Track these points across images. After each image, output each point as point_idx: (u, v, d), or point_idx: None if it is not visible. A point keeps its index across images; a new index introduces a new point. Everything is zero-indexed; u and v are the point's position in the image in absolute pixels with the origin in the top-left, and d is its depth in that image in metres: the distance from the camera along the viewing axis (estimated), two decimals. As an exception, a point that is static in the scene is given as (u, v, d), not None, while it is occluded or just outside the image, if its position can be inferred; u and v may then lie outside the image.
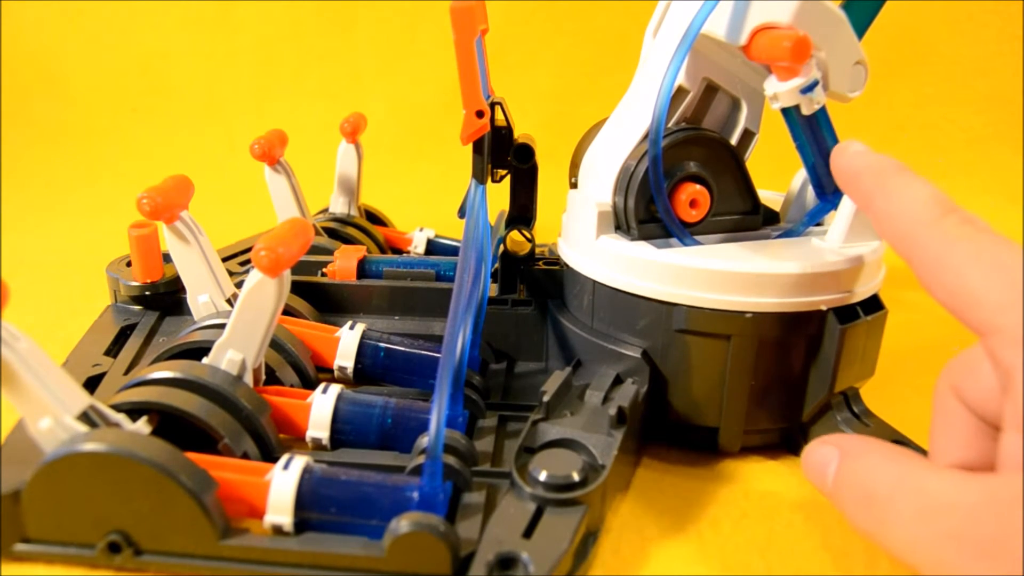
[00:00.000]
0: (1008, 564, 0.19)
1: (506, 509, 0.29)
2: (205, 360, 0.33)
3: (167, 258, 0.41)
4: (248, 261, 0.49)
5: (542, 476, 0.29)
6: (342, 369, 0.38)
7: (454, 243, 0.56)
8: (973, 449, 0.25)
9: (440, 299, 0.42)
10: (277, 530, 0.28)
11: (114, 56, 0.90)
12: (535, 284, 0.41)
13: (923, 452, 0.33)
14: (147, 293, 0.44)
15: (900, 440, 0.34)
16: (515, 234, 0.41)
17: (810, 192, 0.38)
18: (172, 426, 0.31)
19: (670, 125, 0.36)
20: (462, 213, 0.37)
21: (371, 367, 0.38)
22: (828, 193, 0.36)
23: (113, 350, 0.41)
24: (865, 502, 0.22)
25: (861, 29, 0.34)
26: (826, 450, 0.24)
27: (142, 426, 0.30)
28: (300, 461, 0.29)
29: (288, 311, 0.41)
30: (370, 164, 0.57)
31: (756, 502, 0.33)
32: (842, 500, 0.24)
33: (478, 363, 0.38)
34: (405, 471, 0.31)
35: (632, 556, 0.30)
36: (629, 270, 0.34)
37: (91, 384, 0.38)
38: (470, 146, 0.34)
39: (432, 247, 0.56)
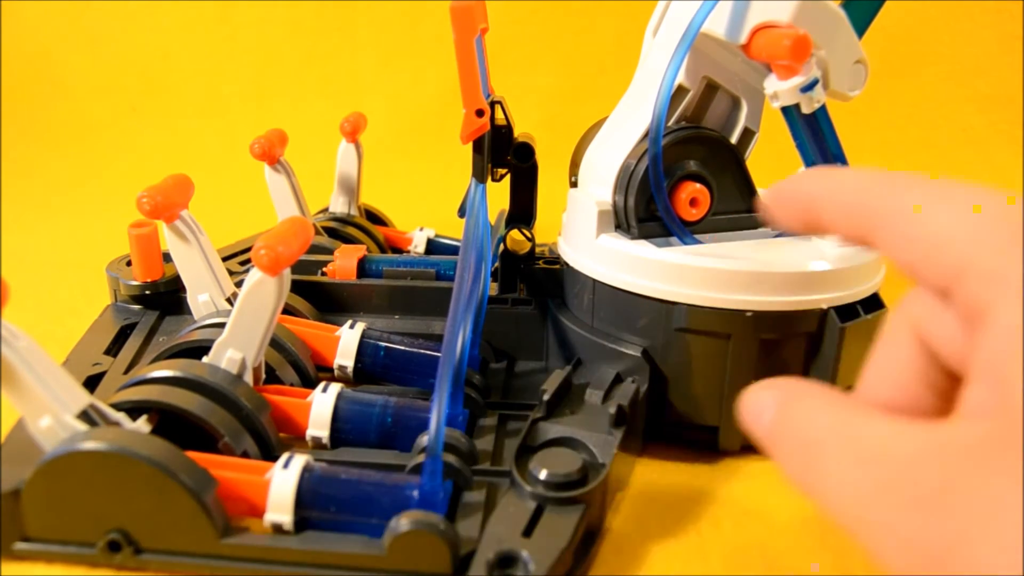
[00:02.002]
0: (942, 519, 0.17)
1: (506, 508, 0.29)
2: (205, 359, 0.33)
3: (167, 257, 0.41)
4: (248, 260, 0.49)
5: (542, 475, 0.29)
6: (342, 368, 0.38)
7: (454, 242, 0.56)
8: (907, 393, 0.22)
9: (440, 298, 0.42)
10: (277, 529, 0.28)
11: (114, 56, 0.90)
12: (535, 283, 0.41)
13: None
14: (147, 292, 0.44)
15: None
16: (515, 233, 0.41)
17: (810, 191, 0.38)
18: (172, 425, 0.31)
19: (670, 124, 0.36)
20: (462, 212, 0.37)
21: (371, 366, 0.38)
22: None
23: (113, 349, 0.41)
24: (798, 449, 0.20)
25: (861, 28, 0.34)
26: (766, 394, 0.22)
27: (142, 425, 0.30)
28: (300, 460, 0.29)
29: (288, 310, 0.41)
30: (370, 164, 0.57)
31: (757, 501, 0.33)
32: (776, 447, 0.21)
33: (478, 362, 0.38)
34: (405, 470, 0.31)
35: (633, 555, 0.30)
36: (629, 269, 0.34)
37: (91, 383, 0.38)
38: (470, 145, 0.34)
39: (432, 246, 0.56)
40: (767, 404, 0.22)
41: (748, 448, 0.36)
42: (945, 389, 0.22)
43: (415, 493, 0.28)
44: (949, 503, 0.17)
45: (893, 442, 0.18)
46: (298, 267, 0.43)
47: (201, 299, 0.39)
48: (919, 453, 0.18)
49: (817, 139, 0.34)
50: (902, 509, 0.17)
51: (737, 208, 0.37)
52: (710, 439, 0.36)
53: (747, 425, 0.23)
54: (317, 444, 0.33)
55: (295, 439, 0.34)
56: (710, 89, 0.37)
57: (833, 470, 0.19)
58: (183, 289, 0.40)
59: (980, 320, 0.18)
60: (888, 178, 0.21)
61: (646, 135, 0.34)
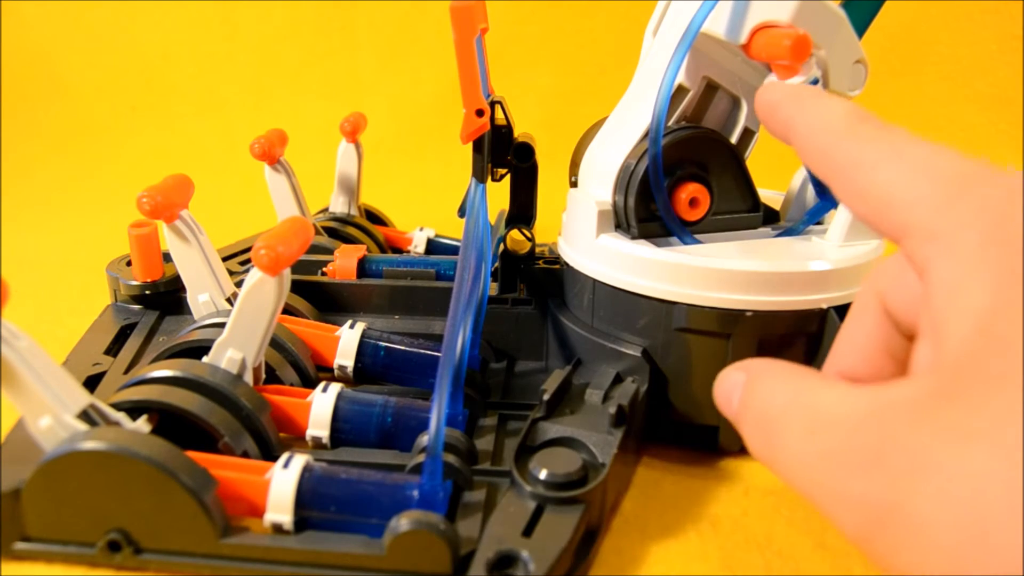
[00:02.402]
0: (882, 480, 0.17)
1: (506, 507, 0.29)
2: (205, 359, 0.33)
3: (167, 257, 0.41)
4: (248, 260, 0.49)
5: (542, 475, 0.30)
6: (342, 368, 0.38)
7: (454, 242, 0.56)
8: (871, 363, 0.23)
9: (440, 298, 0.42)
10: (277, 529, 0.28)
11: (114, 56, 0.90)
12: (535, 283, 0.41)
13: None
14: (147, 292, 0.44)
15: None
16: (515, 233, 0.41)
17: (810, 191, 0.38)
18: (172, 425, 0.31)
19: (670, 124, 0.36)
20: (462, 212, 0.37)
21: (371, 366, 0.38)
22: (828, 192, 0.36)
23: (113, 349, 0.41)
24: (759, 424, 0.21)
25: (861, 28, 0.34)
26: (735, 376, 0.23)
27: (142, 425, 0.30)
28: (300, 460, 0.29)
29: (288, 310, 0.41)
30: (370, 164, 0.57)
31: (756, 501, 0.33)
32: (742, 425, 0.22)
33: (478, 362, 0.38)
34: (405, 470, 0.31)
35: (633, 555, 0.30)
36: (629, 269, 0.34)
37: (91, 383, 0.38)
38: (470, 145, 0.34)
39: (432, 246, 0.56)
40: (736, 385, 0.22)
41: (748, 448, 0.36)
42: (907, 358, 0.22)
43: (415, 493, 0.28)
44: (887, 463, 0.17)
45: (839, 408, 0.19)
46: (298, 267, 0.43)
47: (201, 299, 0.39)
48: (861, 416, 0.18)
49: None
50: (847, 473, 0.18)
51: (737, 208, 0.37)
52: (710, 439, 0.36)
53: (720, 408, 0.23)
54: (317, 444, 0.33)
55: (295, 439, 0.34)
56: (710, 89, 0.37)
57: (787, 441, 0.20)
58: (183, 289, 0.40)
59: (923, 280, 0.19)
60: (854, 128, 0.22)
61: (646, 135, 0.34)
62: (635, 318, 0.35)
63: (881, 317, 0.23)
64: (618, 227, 0.36)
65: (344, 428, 0.33)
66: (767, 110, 0.25)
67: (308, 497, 0.28)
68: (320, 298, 0.44)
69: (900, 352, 0.23)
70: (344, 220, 0.54)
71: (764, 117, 0.26)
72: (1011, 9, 0.81)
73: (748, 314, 0.32)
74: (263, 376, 0.34)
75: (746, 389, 0.22)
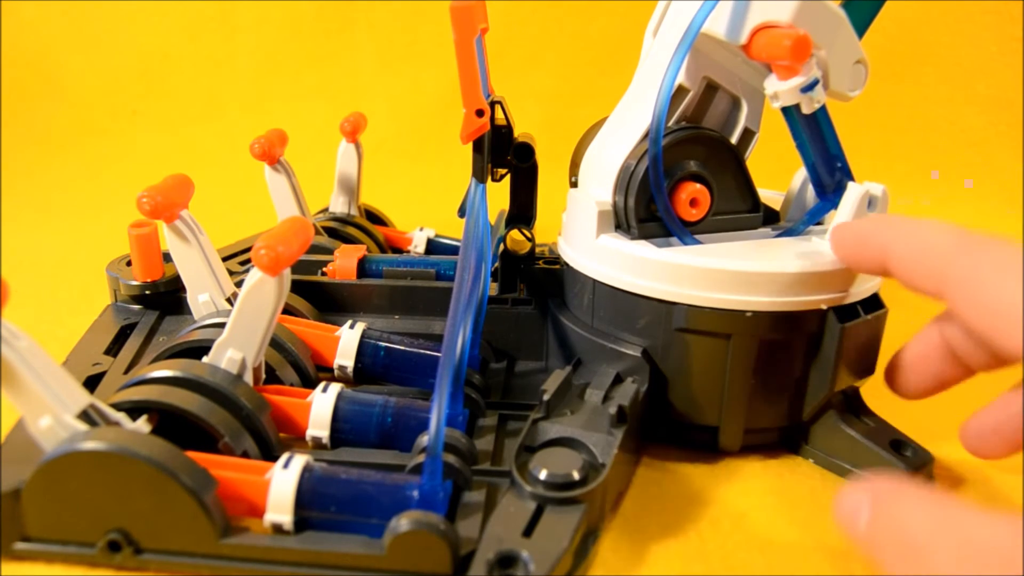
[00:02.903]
0: None
1: (506, 508, 0.29)
2: (205, 359, 0.33)
3: (167, 257, 0.41)
4: (248, 260, 0.49)
5: (542, 475, 0.29)
6: (342, 368, 0.38)
7: (454, 242, 0.56)
8: (929, 363, 0.31)
9: (440, 298, 0.42)
10: (277, 529, 0.28)
11: (114, 56, 0.90)
12: (535, 283, 0.41)
13: (925, 453, 0.33)
14: (147, 292, 0.44)
15: (900, 439, 0.34)
16: (515, 233, 0.41)
17: (810, 191, 0.38)
18: (172, 425, 0.31)
19: (670, 124, 0.36)
20: (462, 212, 0.37)
21: (371, 366, 0.38)
22: (828, 192, 0.36)
23: (113, 349, 0.41)
24: (903, 550, 0.22)
25: (861, 28, 0.34)
26: (858, 496, 0.24)
27: (142, 425, 0.30)
28: (300, 460, 0.29)
29: (288, 310, 0.41)
30: (370, 164, 0.57)
31: (756, 501, 0.33)
32: (877, 548, 0.23)
33: (478, 362, 0.38)
34: (405, 470, 0.31)
35: (632, 555, 0.30)
36: (629, 269, 0.34)
37: (91, 383, 0.38)
38: (470, 145, 0.34)
39: (432, 246, 0.56)
40: (862, 506, 0.23)
41: (748, 448, 0.36)
42: (957, 364, 0.30)
43: (415, 493, 0.28)
44: None
45: (993, 536, 0.20)
46: (298, 267, 0.43)
47: (201, 299, 0.39)
48: (1016, 544, 0.19)
49: (817, 139, 0.34)
50: None
51: (737, 208, 0.37)
52: (710, 439, 0.36)
53: (842, 526, 0.24)
54: (317, 444, 0.33)
55: (295, 439, 0.34)
56: (710, 89, 0.37)
57: (939, 568, 0.20)
58: (183, 289, 0.40)
59: None
60: (959, 241, 0.24)
61: (646, 135, 0.34)
62: (635, 318, 0.35)
63: (941, 339, 0.30)
64: (618, 227, 0.36)
65: (344, 428, 0.33)
66: (856, 245, 0.29)
67: (308, 497, 0.28)
68: (320, 298, 0.44)
69: (952, 366, 0.30)
70: (344, 220, 0.54)
71: (854, 253, 0.30)
72: (1011, 11, 0.81)
73: (748, 314, 0.32)
74: (263, 376, 0.34)
75: (877, 512, 0.23)
